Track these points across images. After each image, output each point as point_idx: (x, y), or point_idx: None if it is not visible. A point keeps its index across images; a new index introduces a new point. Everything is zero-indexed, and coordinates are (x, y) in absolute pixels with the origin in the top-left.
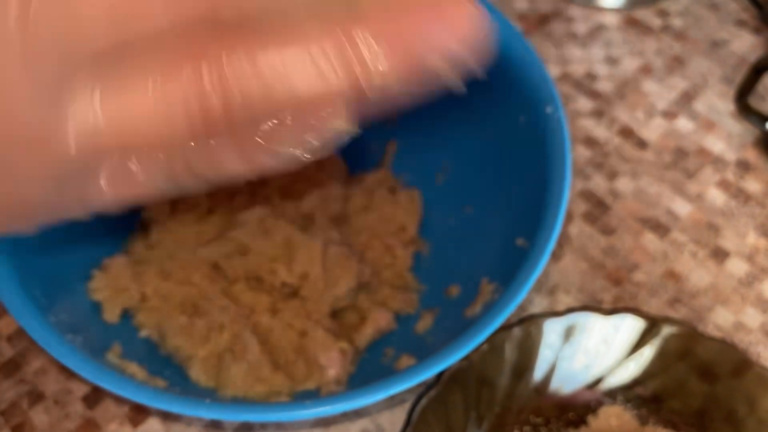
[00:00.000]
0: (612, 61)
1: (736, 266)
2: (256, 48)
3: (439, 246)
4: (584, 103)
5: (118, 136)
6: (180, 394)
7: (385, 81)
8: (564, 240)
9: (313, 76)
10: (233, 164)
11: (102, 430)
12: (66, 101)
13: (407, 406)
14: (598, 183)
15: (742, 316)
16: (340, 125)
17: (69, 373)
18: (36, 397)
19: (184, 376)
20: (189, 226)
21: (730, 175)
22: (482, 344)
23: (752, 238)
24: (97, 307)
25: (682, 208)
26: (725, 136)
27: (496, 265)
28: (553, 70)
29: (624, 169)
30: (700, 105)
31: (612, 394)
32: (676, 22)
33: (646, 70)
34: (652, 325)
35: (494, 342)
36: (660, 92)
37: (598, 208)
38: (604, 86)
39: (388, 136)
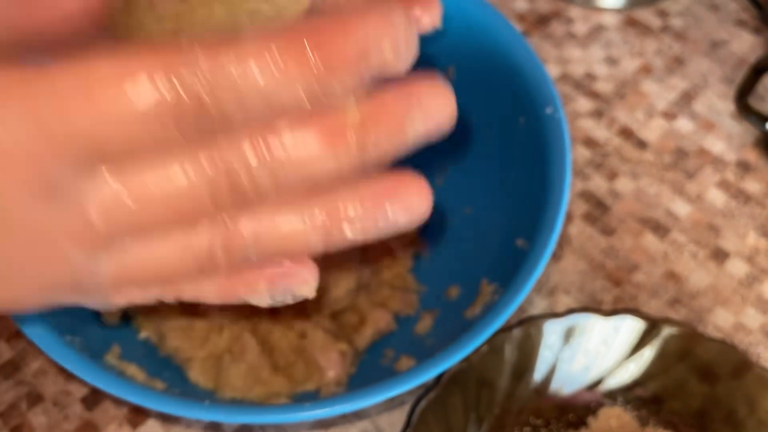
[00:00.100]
0: (612, 61)
1: (736, 267)
2: (257, 214)
3: (438, 247)
4: (584, 104)
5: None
6: (179, 395)
7: (347, 241)
8: (564, 241)
9: (299, 234)
10: (211, 297)
11: None
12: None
13: (407, 407)
14: (598, 183)
15: (742, 317)
16: (307, 291)
17: (68, 375)
18: (35, 398)
19: (183, 377)
20: None
21: (730, 176)
22: (482, 345)
23: (752, 239)
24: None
25: (682, 208)
26: (725, 137)
27: (495, 265)
28: (552, 71)
29: (624, 169)
30: (699, 105)
31: (612, 396)
32: (676, 23)
33: (645, 70)
34: (652, 326)
35: (494, 343)
36: (660, 92)
37: (597, 209)
38: (604, 87)
39: None
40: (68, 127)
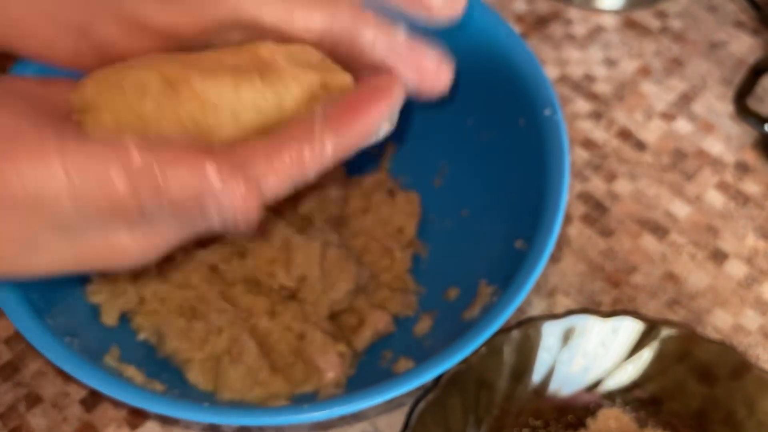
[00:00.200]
0: (610, 62)
1: (735, 268)
2: None
3: (437, 248)
4: (583, 105)
5: None
6: (178, 397)
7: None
8: (563, 242)
9: None
10: None
11: None
12: None
13: (406, 408)
14: (597, 185)
15: (741, 318)
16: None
17: (67, 376)
18: (34, 400)
19: (182, 379)
20: None
21: (728, 177)
22: (481, 347)
23: (751, 240)
24: (95, 310)
25: (681, 209)
26: (724, 138)
27: (494, 267)
28: (551, 72)
29: (622, 170)
30: (698, 106)
31: (611, 397)
32: (675, 24)
33: (644, 71)
34: (651, 327)
35: (493, 345)
36: (658, 94)
37: (596, 210)
38: (603, 88)
39: (386, 138)
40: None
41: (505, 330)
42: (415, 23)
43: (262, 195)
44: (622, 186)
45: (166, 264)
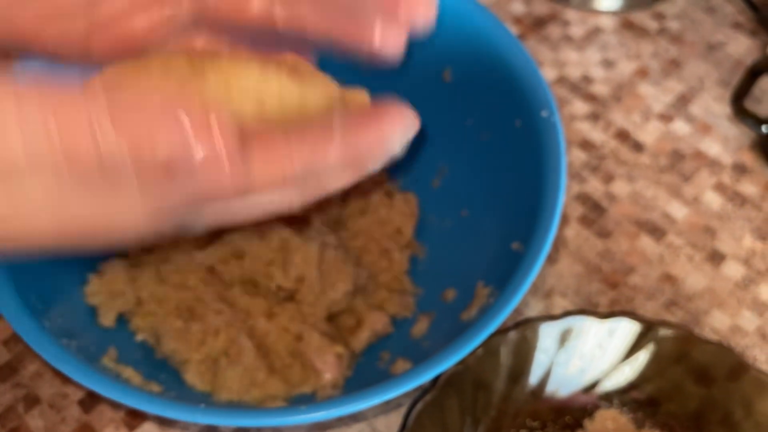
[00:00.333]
0: (608, 64)
1: (733, 269)
2: None
3: (435, 249)
4: (580, 107)
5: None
6: (175, 398)
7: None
8: (560, 243)
9: None
10: None
11: None
12: None
13: (403, 409)
14: (594, 186)
15: (739, 320)
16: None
17: (65, 377)
18: (32, 401)
19: (179, 380)
20: None
21: (726, 178)
22: (478, 348)
23: (748, 241)
24: (92, 312)
25: (678, 211)
26: (721, 139)
27: (491, 268)
28: (549, 74)
29: (620, 172)
30: (696, 108)
31: (608, 398)
32: (673, 25)
33: (642, 73)
34: (648, 328)
35: (490, 346)
36: (656, 95)
37: (594, 212)
38: (600, 89)
39: None
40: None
41: (502, 331)
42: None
43: (249, 173)
44: (620, 187)
45: (163, 265)
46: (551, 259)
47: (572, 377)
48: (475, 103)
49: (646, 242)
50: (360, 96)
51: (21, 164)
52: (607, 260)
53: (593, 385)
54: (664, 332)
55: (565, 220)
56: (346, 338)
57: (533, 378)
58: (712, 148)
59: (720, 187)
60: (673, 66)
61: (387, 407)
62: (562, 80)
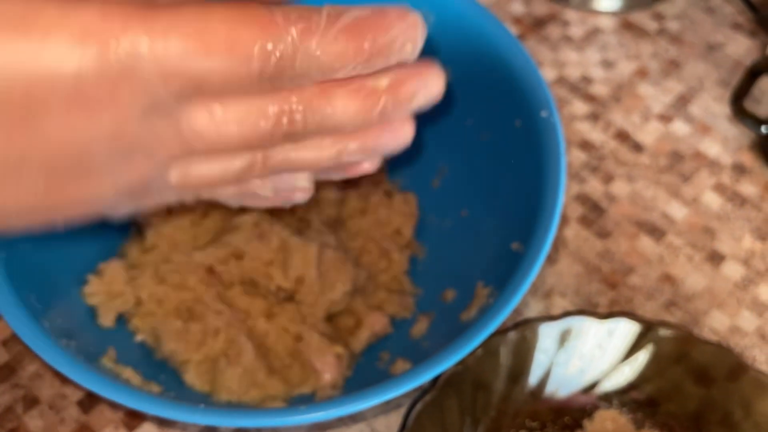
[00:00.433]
0: (608, 64)
1: (732, 270)
2: (297, 144)
3: (434, 250)
4: (580, 107)
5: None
6: (174, 399)
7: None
8: (560, 243)
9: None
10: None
11: None
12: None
13: (403, 410)
14: (594, 186)
15: (738, 320)
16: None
17: (64, 378)
18: (31, 401)
19: (179, 380)
20: (184, 230)
21: (725, 179)
22: (477, 348)
23: (748, 242)
24: (91, 312)
25: (678, 211)
26: (721, 140)
27: (491, 268)
28: (548, 74)
29: (619, 172)
30: (695, 108)
31: (607, 398)
32: (672, 26)
33: (641, 73)
34: (648, 328)
35: (489, 346)
36: (656, 95)
37: (593, 212)
38: (600, 90)
39: None
40: (181, 64)
41: (501, 331)
42: None
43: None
44: (619, 187)
45: (162, 265)
46: (551, 260)
47: (572, 377)
48: (474, 103)
49: (645, 242)
50: None
51: None
52: (607, 260)
53: (593, 386)
54: (663, 332)
55: (564, 220)
56: (346, 338)
57: (533, 378)
58: (712, 148)
59: (719, 188)
60: (673, 66)
61: (386, 407)
62: (561, 80)
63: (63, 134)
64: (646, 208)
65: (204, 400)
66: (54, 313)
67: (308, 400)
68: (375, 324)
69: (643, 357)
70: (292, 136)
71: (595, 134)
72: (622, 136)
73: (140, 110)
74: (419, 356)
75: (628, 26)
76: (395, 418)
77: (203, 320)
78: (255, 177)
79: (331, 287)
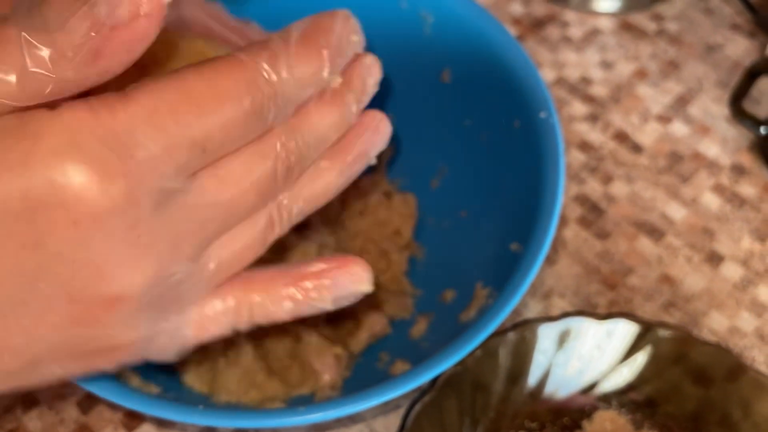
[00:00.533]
0: (607, 65)
1: (731, 270)
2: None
3: (434, 250)
4: (579, 108)
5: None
6: (173, 400)
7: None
8: (559, 244)
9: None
10: (285, 314)
11: None
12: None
13: (402, 411)
14: (593, 187)
15: (737, 321)
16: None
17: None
18: (30, 402)
19: (178, 381)
20: None
21: (724, 180)
22: (477, 349)
23: (747, 243)
24: None
25: (677, 212)
26: (720, 141)
27: (490, 269)
28: (547, 75)
29: (619, 173)
30: (694, 109)
31: (606, 399)
32: (671, 27)
33: (640, 74)
34: (646, 329)
35: (489, 347)
36: (655, 96)
37: (592, 213)
38: (599, 90)
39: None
40: (180, 132)
41: (500, 332)
42: None
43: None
44: (618, 188)
45: None
46: (550, 260)
47: (571, 378)
48: (473, 103)
49: (644, 243)
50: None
51: None
52: (606, 261)
53: (592, 387)
54: (662, 333)
55: (563, 221)
56: (345, 339)
57: (532, 379)
58: (711, 149)
59: (718, 189)
60: (672, 67)
61: (386, 408)
62: (560, 81)
63: (76, 251)
64: (645, 208)
65: (203, 400)
66: None
67: (307, 401)
68: (374, 325)
69: (642, 358)
70: (293, 169)
71: (594, 135)
72: (621, 137)
73: (152, 203)
74: (418, 357)
75: (627, 27)
76: (394, 419)
77: None
78: (279, 232)
79: None
